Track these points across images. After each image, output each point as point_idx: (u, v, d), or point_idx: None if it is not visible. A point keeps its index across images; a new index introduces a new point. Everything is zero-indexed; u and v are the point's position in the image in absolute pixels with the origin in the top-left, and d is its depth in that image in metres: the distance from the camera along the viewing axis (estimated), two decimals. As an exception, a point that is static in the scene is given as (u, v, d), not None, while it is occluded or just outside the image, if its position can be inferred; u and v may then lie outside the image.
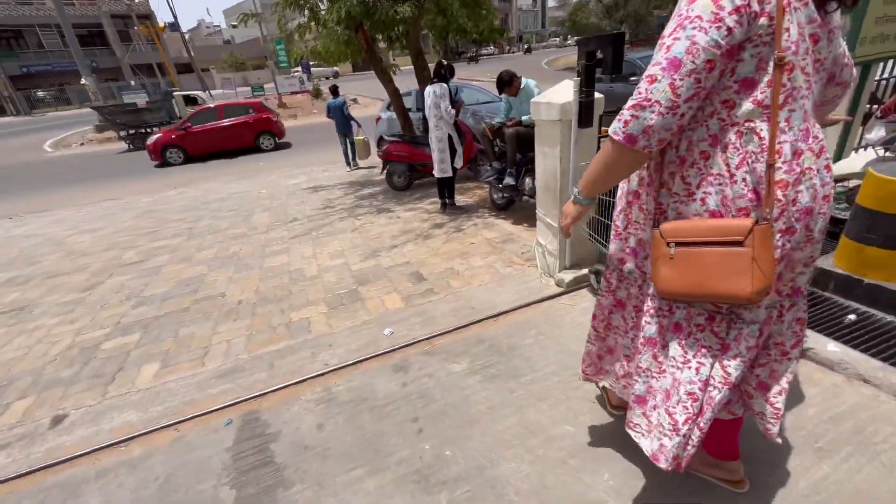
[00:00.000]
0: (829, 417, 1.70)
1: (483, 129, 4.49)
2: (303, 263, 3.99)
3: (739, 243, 0.99)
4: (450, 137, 4.66)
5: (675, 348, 1.19)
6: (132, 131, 14.74)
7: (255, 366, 2.51)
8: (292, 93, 22.94)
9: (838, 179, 2.70)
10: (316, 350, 2.59)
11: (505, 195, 4.64)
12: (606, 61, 2.25)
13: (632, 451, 1.58)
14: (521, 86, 4.18)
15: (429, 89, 4.56)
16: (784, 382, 1.24)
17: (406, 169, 6.09)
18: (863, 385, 1.84)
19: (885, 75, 3.18)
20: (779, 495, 1.45)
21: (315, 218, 5.40)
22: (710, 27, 0.90)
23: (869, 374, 1.84)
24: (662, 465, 1.19)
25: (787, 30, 0.92)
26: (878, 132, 2.93)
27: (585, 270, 2.92)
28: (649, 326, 1.24)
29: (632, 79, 8.17)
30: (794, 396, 1.80)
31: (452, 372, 2.25)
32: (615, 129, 1.02)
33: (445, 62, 4.49)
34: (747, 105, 0.98)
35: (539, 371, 2.17)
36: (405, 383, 2.21)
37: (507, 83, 4.15)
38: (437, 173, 4.83)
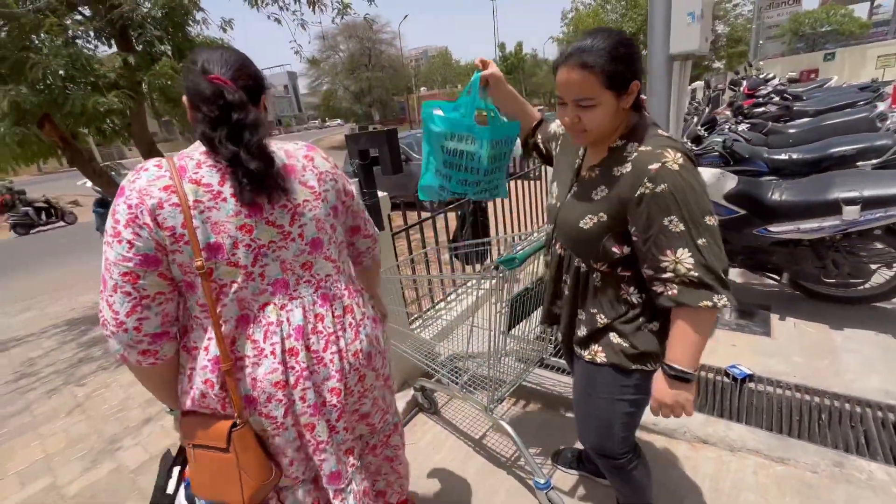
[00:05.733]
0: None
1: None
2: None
3: (224, 449, 0.96)
4: None
5: None
6: None
7: None
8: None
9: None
10: None
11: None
12: (384, 160, 2.01)
13: None
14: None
15: None
16: None
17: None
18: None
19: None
20: None
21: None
22: (114, 242, 0.88)
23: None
24: None
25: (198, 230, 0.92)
26: None
27: (412, 390, 2.40)
28: None
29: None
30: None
31: None
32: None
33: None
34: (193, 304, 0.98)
35: None
36: None
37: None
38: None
